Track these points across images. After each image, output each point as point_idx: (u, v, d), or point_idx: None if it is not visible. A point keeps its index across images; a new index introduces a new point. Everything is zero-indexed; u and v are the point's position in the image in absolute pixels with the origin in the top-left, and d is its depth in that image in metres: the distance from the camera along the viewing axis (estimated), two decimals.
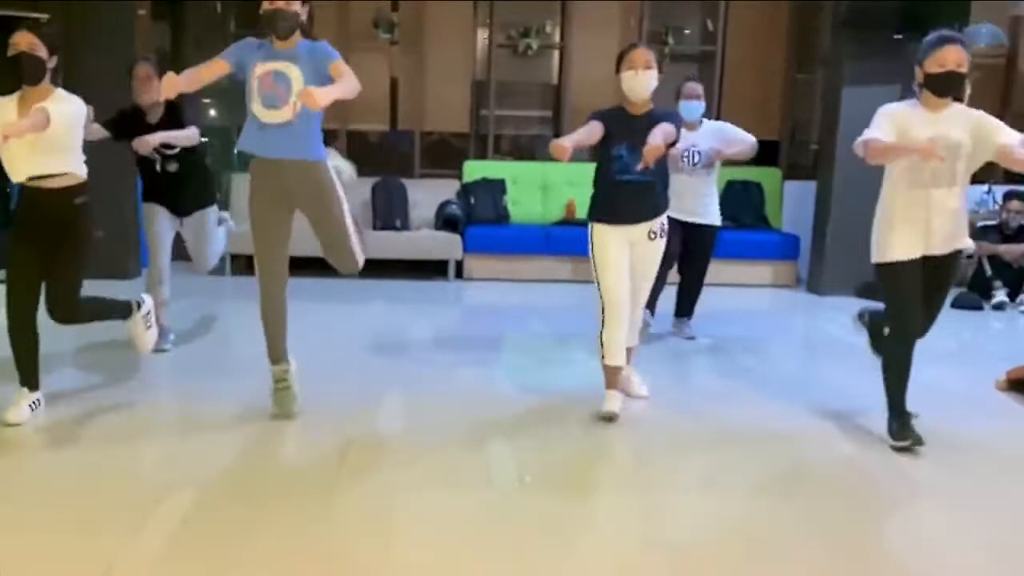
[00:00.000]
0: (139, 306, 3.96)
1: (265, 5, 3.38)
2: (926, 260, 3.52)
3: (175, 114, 4.52)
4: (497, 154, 8.36)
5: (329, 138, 8.21)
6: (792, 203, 7.86)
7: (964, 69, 3.35)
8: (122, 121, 4.51)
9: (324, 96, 3.17)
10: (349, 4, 7.88)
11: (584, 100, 8.12)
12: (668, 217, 4.17)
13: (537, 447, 3.52)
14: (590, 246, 3.80)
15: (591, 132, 3.68)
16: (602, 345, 3.82)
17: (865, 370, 3.94)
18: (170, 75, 3.34)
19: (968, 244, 3.58)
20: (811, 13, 8.12)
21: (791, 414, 3.95)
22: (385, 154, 8.45)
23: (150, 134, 4.36)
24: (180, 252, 4.96)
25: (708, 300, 5.57)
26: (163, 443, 3.52)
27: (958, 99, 3.47)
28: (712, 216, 5.18)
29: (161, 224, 4.68)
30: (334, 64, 3.39)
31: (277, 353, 3.72)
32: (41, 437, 3.46)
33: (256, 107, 3.42)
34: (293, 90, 3.37)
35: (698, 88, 5.05)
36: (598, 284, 3.78)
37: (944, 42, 3.37)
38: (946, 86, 3.38)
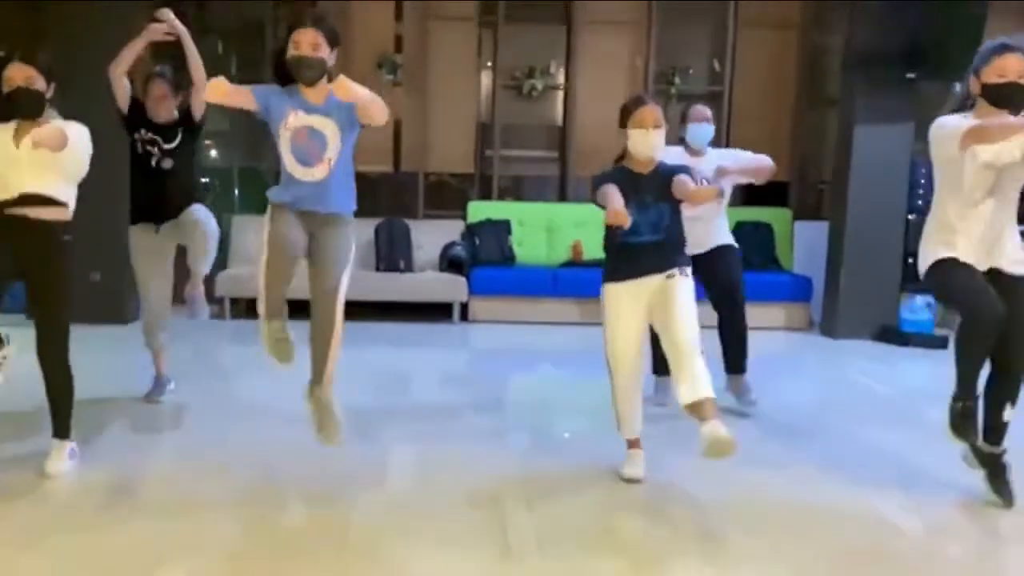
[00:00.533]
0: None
1: (291, 50, 3.26)
2: (995, 275, 3.27)
3: (187, 119, 4.43)
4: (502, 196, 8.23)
5: None
6: (803, 244, 7.71)
7: None
8: (132, 114, 4.39)
9: (355, 89, 3.11)
10: (352, 45, 7.79)
11: (590, 140, 8.02)
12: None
13: (554, 506, 3.33)
14: (602, 311, 3.56)
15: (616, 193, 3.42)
16: (616, 415, 3.60)
17: (898, 424, 3.75)
18: (221, 80, 3.25)
19: None
20: (820, 51, 8.05)
21: (827, 480, 3.71)
22: (388, 195, 8.33)
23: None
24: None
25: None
26: (157, 510, 3.27)
27: (1016, 112, 3.23)
28: (726, 237, 4.78)
29: (151, 251, 4.47)
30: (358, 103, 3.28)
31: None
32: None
33: (288, 160, 3.32)
34: (328, 147, 3.29)
35: (706, 111, 4.73)
36: (605, 351, 3.54)
37: (1005, 50, 3.19)
38: (1007, 97, 3.18)
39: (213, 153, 8.39)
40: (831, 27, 7.78)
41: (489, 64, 8.15)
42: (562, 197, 8.19)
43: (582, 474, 3.64)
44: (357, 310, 6.99)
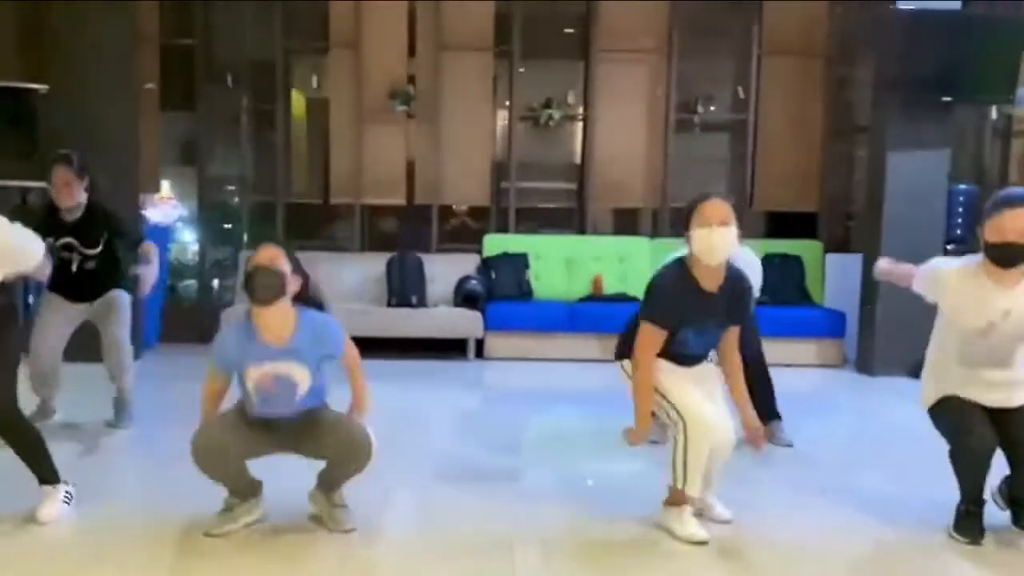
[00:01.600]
0: None
1: (250, 262, 3.00)
2: (995, 413, 3.14)
3: (93, 215, 4.34)
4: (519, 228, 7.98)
5: (343, 212, 7.99)
6: (834, 277, 7.39)
7: None
8: (44, 220, 4.26)
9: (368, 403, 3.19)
10: (364, 76, 7.62)
11: (608, 172, 7.78)
12: None
13: (569, 554, 3.03)
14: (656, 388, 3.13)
15: (656, 342, 3.07)
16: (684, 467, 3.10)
17: (940, 464, 3.40)
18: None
19: None
20: (848, 78, 7.80)
21: (866, 521, 3.43)
22: (401, 229, 8.10)
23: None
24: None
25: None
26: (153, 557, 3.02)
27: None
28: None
29: (57, 314, 4.40)
30: (344, 358, 3.18)
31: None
32: None
33: (255, 401, 3.06)
34: (298, 390, 3.02)
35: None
36: (672, 407, 3.10)
37: (1005, 204, 2.96)
38: (1006, 259, 2.98)
39: (229, 188, 8.23)
40: (859, 53, 7.54)
41: (505, 97, 7.94)
42: (581, 230, 7.92)
43: (602, 521, 3.32)
44: (368, 346, 6.83)
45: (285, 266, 2.96)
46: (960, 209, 6.62)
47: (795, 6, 7.65)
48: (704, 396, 3.14)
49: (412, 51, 7.73)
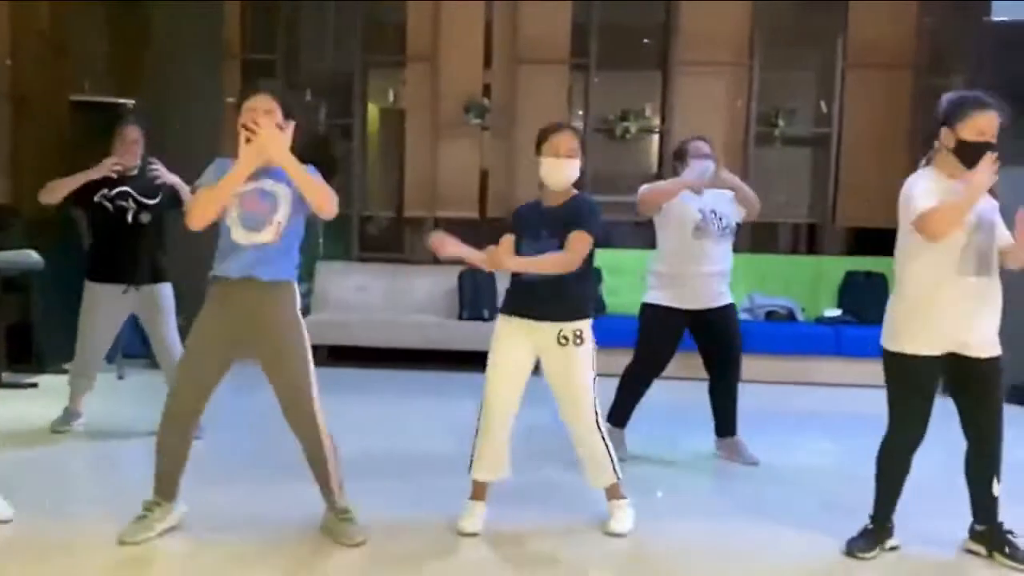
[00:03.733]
0: None
1: (251, 123, 3.06)
2: (961, 362, 3.07)
3: (149, 168, 4.46)
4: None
5: (416, 225, 8.01)
6: None
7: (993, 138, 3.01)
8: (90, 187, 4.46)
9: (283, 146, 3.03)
10: (440, 89, 7.64)
11: None
12: (664, 307, 4.13)
13: None
14: (492, 340, 3.33)
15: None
16: (472, 452, 3.34)
17: None
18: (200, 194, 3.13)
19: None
20: (937, 91, 7.46)
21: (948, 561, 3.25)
22: (474, 242, 8.07)
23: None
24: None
25: (834, 401, 4.87)
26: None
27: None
28: (727, 295, 4.42)
29: (104, 310, 4.51)
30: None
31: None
32: None
33: (234, 230, 3.07)
34: (279, 208, 3.06)
35: (706, 147, 4.34)
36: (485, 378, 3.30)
37: (985, 106, 2.97)
38: (980, 157, 2.97)
39: None
40: (949, 64, 7.24)
41: (580, 111, 7.87)
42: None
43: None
44: (440, 359, 6.85)
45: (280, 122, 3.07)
46: None
47: (882, 15, 7.43)
48: (518, 366, 3.29)
49: (488, 63, 7.74)
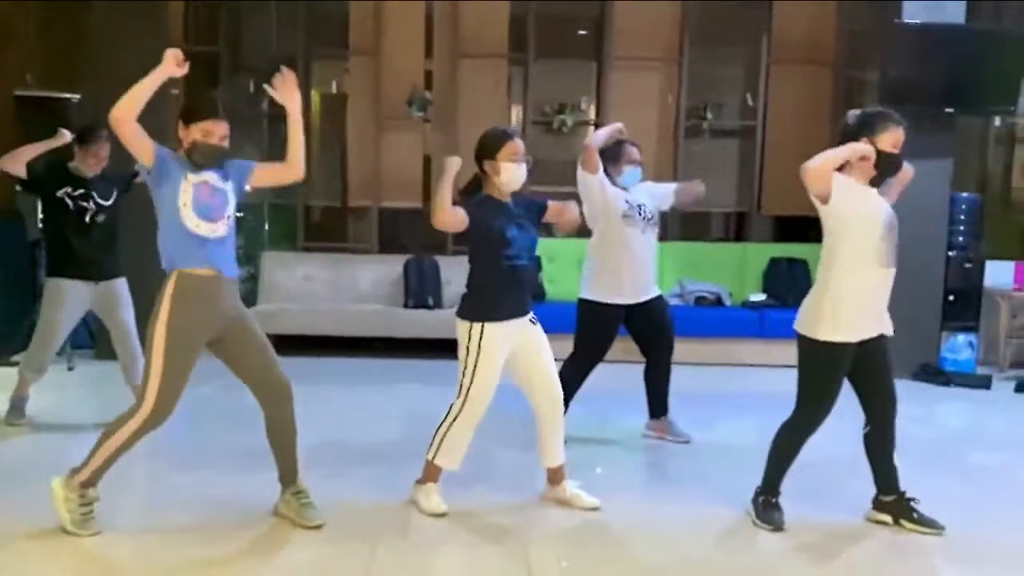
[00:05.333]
0: None
1: (211, 143, 3.26)
2: (866, 344, 3.44)
3: (107, 172, 4.73)
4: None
5: (360, 215, 8.19)
6: None
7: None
8: (51, 175, 4.67)
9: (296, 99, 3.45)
10: (382, 83, 7.82)
11: None
12: (601, 303, 4.47)
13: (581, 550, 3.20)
14: (470, 345, 3.51)
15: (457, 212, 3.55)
16: (441, 441, 3.57)
17: (937, 468, 3.59)
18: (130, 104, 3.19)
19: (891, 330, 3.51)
20: (856, 86, 7.93)
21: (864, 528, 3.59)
22: (417, 232, 8.29)
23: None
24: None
25: (758, 381, 5.21)
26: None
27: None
28: (655, 287, 4.72)
29: (68, 306, 4.69)
30: (256, 167, 3.52)
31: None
32: None
33: (188, 218, 3.23)
34: (228, 205, 3.33)
35: (637, 153, 4.63)
36: (471, 381, 3.52)
37: (899, 123, 3.37)
38: (894, 169, 3.42)
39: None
40: (866, 61, 7.67)
41: (520, 102, 8.12)
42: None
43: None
44: (386, 347, 7.06)
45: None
46: (962, 217, 6.77)
47: (804, 15, 7.82)
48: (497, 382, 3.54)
49: (429, 57, 7.93)
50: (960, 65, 6.16)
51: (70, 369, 6.21)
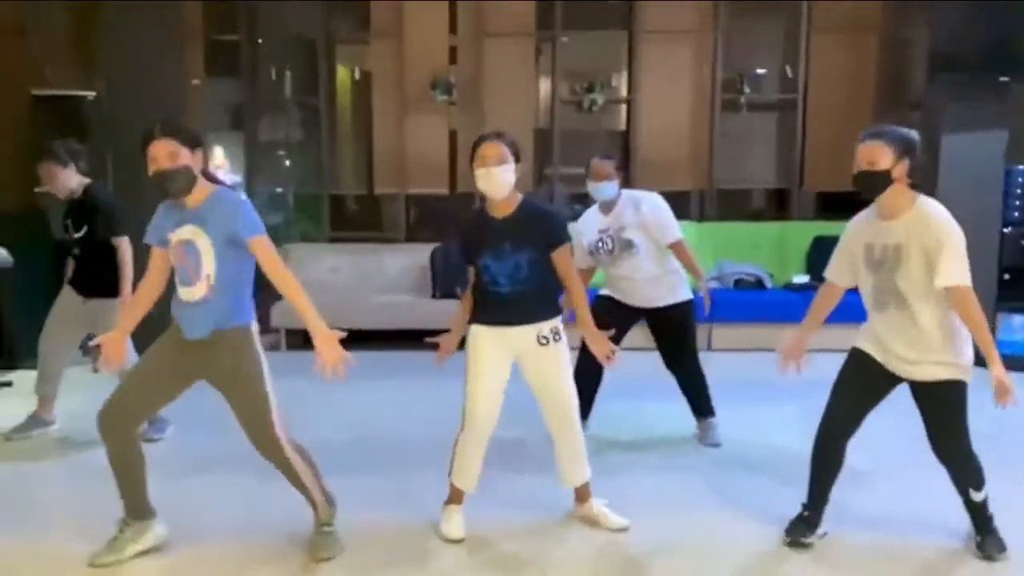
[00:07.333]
0: None
1: (151, 168, 2.92)
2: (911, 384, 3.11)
3: (81, 201, 4.47)
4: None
5: (387, 202, 8.02)
6: None
7: (881, 166, 2.96)
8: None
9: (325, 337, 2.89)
10: (404, 68, 7.60)
11: (654, 155, 7.67)
12: (615, 298, 4.26)
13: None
14: (467, 350, 3.35)
15: (472, 277, 3.35)
16: (454, 457, 3.38)
17: (994, 463, 3.30)
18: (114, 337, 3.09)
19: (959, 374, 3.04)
20: (902, 53, 7.53)
21: (908, 524, 3.34)
22: (445, 219, 8.11)
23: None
24: None
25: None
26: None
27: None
28: (672, 294, 4.40)
29: (62, 311, 4.55)
30: (253, 243, 2.94)
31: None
32: None
33: (176, 280, 3.04)
34: (203, 264, 2.95)
35: (607, 167, 4.30)
36: (465, 393, 3.32)
37: (861, 139, 3.02)
38: (859, 188, 3.03)
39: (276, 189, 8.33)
40: (914, 26, 7.28)
41: (549, 79, 7.86)
42: None
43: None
44: (412, 337, 6.88)
45: (183, 156, 2.91)
46: (1019, 191, 6.38)
47: None
48: (499, 377, 3.30)
49: (453, 33, 7.69)
50: (1014, 30, 5.76)
51: (95, 371, 6.13)
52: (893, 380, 3.15)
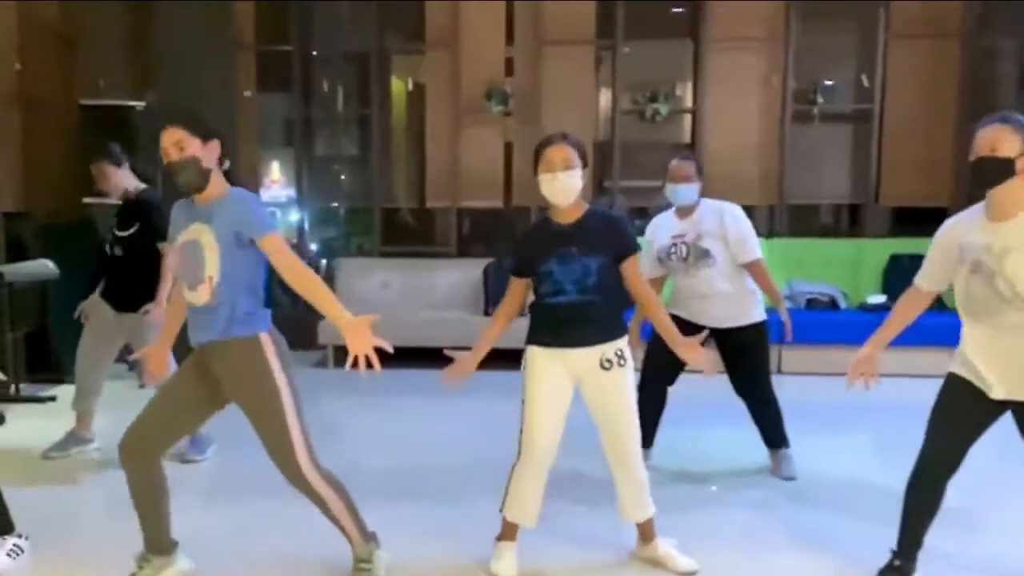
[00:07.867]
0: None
1: (168, 161, 2.72)
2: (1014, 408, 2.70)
3: (131, 199, 4.36)
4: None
5: (441, 216, 7.79)
6: None
7: (1004, 153, 2.61)
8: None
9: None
10: (460, 78, 7.38)
11: (721, 168, 7.28)
12: (678, 316, 3.81)
13: None
14: (523, 373, 3.05)
15: (514, 292, 3.15)
16: (508, 489, 3.07)
17: None
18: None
19: None
20: (986, 59, 7.08)
21: None
22: (499, 233, 7.84)
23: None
24: None
25: (877, 392, 4.55)
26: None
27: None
28: (746, 315, 4.06)
29: (95, 324, 4.40)
30: (265, 241, 2.68)
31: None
32: None
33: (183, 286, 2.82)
34: (205, 265, 2.68)
35: (688, 167, 3.99)
36: (521, 419, 3.02)
37: (983, 124, 2.66)
38: (975, 176, 2.67)
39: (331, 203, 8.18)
40: (1000, 30, 6.83)
41: (608, 85, 7.57)
42: None
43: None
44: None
45: (192, 147, 2.69)
46: None
47: None
48: (559, 401, 3.03)
49: (510, 43, 7.46)
50: None
51: (141, 387, 5.98)
52: (997, 407, 2.76)
